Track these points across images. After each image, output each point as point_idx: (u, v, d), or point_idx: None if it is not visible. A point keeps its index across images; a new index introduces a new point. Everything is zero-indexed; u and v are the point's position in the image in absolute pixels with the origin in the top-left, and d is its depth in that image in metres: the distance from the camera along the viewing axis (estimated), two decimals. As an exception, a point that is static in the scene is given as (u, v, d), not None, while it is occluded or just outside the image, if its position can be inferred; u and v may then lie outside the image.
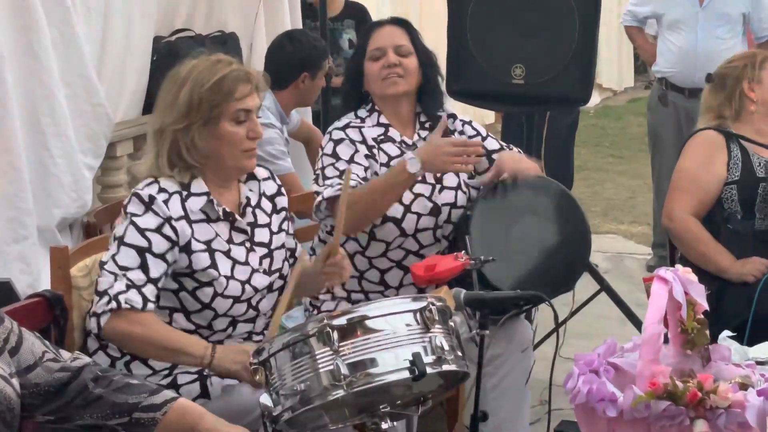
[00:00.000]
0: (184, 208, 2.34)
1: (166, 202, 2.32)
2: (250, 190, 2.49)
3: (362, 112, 2.94)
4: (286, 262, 2.54)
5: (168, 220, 2.31)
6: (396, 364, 1.90)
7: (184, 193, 2.35)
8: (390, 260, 2.91)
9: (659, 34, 5.34)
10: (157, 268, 2.29)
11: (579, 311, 3.67)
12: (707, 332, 2.08)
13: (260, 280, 2.44)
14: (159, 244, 2.30)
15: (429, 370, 1.90)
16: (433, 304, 2.00)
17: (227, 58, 2.39)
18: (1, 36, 3.00)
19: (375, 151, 2.87)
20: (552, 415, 3.64)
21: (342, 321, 1.93)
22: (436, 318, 1.99)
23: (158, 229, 2.30)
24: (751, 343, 2.43)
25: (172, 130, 2.31)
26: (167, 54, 4.29)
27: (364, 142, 2.87)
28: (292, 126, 4.14)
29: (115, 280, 2.24)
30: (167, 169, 2.33)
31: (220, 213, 2.39)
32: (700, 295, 2.11)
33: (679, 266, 2.18)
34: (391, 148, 2.90)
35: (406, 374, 1.88)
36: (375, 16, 5.40)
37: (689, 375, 1.95)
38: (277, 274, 2.50)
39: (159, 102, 2.39)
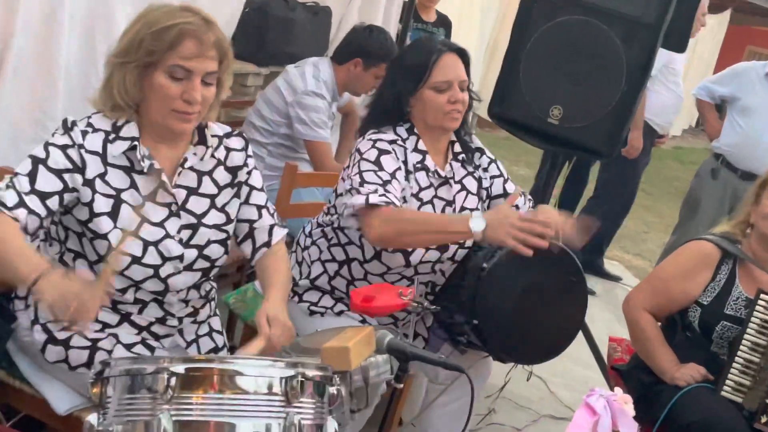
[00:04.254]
0: (104, 148, 1.90)
1: (84, 133, 1.89)
2: (194, 154, 2.02)
3: (402, 132, 2.49)
4: (216, 245, 2.05)
5: (79, 146, 1.87)
6: None
7: (112, 135, 1.91)
8: (384, 281, 2.50)
9: (728, 114, 4.94)
10: (46, 182, 1.82)
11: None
12: None
13: (172, 248, 1.96)
14: (57, 160, 1.84)
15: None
16: (304, 376, 1.53)
17: (195, 11, 1.90)
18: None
19: (411, 176, 2.45)
20: (492, 428, 3.49)
21: (181, 369, 1.45)
22: (305, 391, 1.53)
23: (63, 148, 1.86)
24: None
25: (111, 63, 1.89)
26: (257, 9, 4.00)
27: (406, 163, 2.44)
28: (341, 102, 3.83)
29: (3, 181, 1.83)
30: (104, 102, 1.93)
31: (145, 167, 1.93)
32: (630, 429, 1.72)
33: (618, 391, 1.79)
34: (423, 178, 2.47)
35: None
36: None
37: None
38: (197, 251, 2.01)
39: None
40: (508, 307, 2.36)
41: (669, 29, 3.15)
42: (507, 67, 3.38)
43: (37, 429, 2.06)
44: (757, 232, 2.73)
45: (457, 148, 2.61)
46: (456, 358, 2.58)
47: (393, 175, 2.37)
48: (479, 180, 2.63)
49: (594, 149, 3.24)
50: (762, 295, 2.57)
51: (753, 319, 2.57)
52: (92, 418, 1.50)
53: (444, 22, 5.55)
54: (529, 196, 2.80)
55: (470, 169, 2.62)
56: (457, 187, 2.57)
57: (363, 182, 2.33)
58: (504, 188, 2.68)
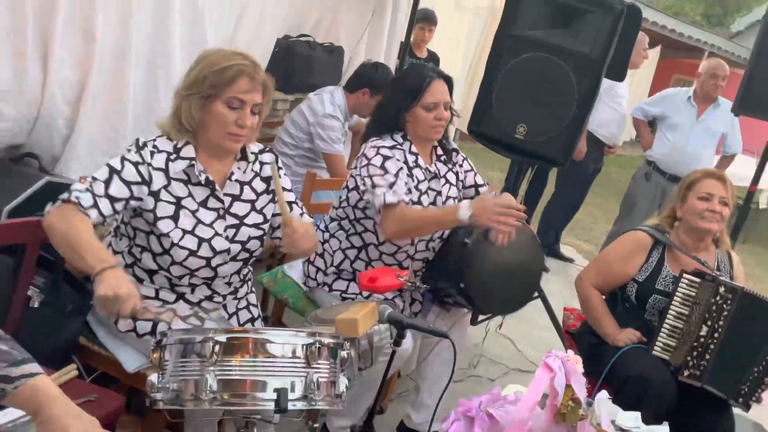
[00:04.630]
0: (166, 166, 1.89)
1: (152, 153, 1.89)
2: (238, 168, 2.02)
3: (398, 138, 2.49)
4: (255, 240, 2.04)
5: (148, 164, 1.87)
6: (263, 394, 1.43)
7: (174, 155, 1.91)
8: (395, 260, 2.51)
9: (659, 129, 4.90)
10: (118, 190, 1.81)
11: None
12: (579, 412, 1.68)
13: (219, 243, 1.96)
14: (130, 174, 1.84)
15: (291, 407, 1.43)
16: (321, 343, 1.53)
17: (245, 55, 1.92)
18: None
19: (411, 171, 2.46)
20: (472, 379, 3.49)
21: (223, 338, 1.45)
22: (321, 354, 1.52)
23: (135, 164, 1.85)
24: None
25: (180, 95, 1.91)
26: (285, 49, 3.96)
27: (406, 163, 2.45)
28: (351, 123, 3.80)
29: (83, 183, 1.82)
30: (172, 126, 1.92)
31: (202, 179, 1.93)
32: (580, 385, 1.69)
33: (570, 353, 1.76)
34: (419, 173, 2.48)
35: (271, 405, 1.43)
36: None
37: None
38: (240, 246, 2.00)
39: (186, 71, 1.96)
40: (486, 271, 2.42)
41: (611, 63, 3.12)
42: (483, 93, 3.36)
43: (111, 383, 2.06)
44: (686, 224, 2.71)
45: (440, 151, 2.63)
46: (443, 315, 2.64)
47: (397, 175, 2.38)
48: (456, 174, 2.66)
49: (552, 158, 3.21)
50: (684, 274, 2.55)
51: (678, 293, 2.55)
52: (153, 377, 1.50)
53: (433, 57, 5.52)
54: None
55: (450, 166, 2.64)
56: (443, 180, 2.58)
57: (375, 185, 2.36)
58: (474, 180, 2.71)
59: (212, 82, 1.87)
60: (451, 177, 2.63)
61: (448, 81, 2.54)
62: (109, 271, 1.61)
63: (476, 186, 2.71)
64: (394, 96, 2.54)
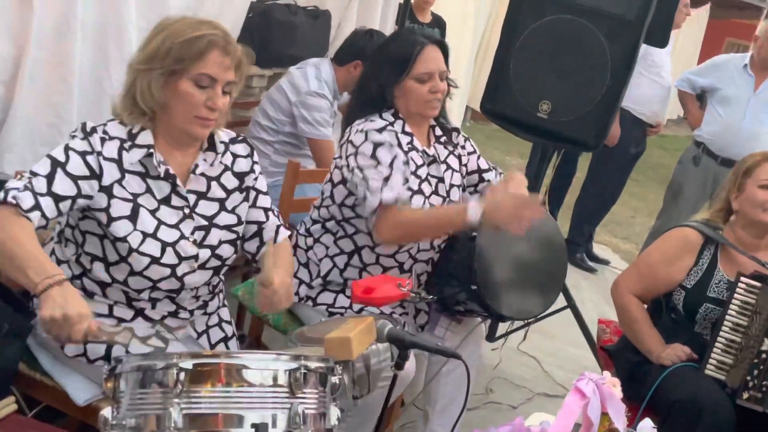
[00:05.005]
0: (119, 155, 1.87)
1: (102, 141, 1.85)
2: (204, 161, 2.00)
3: (388, 117, 2.47)
4: (227, 245, 2.03)
5: (98, 153, 1.84)
6: (239, 430, 1.41)
7: (128, 143, 1.88)
8: (396, 261, 2.50)
9: (709, 104, 4.91)
10: (63, 186, 1.79)
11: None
12: None
13: (187, 248, 1.94)
14: (76, 166, 1.81)
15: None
16: (307, 368, 1.50)
17: (215, 24, 1.89)
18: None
19: (407, 157, 2.43)
20: (489, 406, 3.50)
21: (189, 364, 1.42)
22: (308, 382, 1.50)
23: (83, 154, 1.82)
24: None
25: (135, 69, 1.87)
26: (261, 14, 3.95)
27: (400, 146, 2.42)
28: (341, 102, 3.77)
29: (20, 179, 1.79)
30: (124, 108, 1.89)
31: (161, 172, 1.90)
32: (618, 412, 1.69)
33: (606, 374, 1.75)
34: (417, 158, 2.46)
35: None
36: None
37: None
38: (209, 251, 1.98)
39: (142, 42, 1.93)
40: (500, 268, 2.44)
41: (651, 26, 3.12)
42: (497, 64, 3.38)
43: (57, 418, 2.05)
44: (744, 218, 2.71)
45: (438, 131, 2.62)
46: (453, 327, 2.63)
47: (391, 165, 2.35)
48: (459, 157, 2.66)
49: (581, 141, 3.23)
50: (742, 278, 2.55)
51: (734, 301, 2.55)
52: (106, 411, 1.48)
53: (439, 22, 5.51)
54: (500, 170, 2.80)
55: (450, 148, 2.64)
56: (444, 166, 2.58)
57: (366, 180, 2.33)
58: (477, 164, 2.72)
59: (177, 56, 1.84)
60: (453, 161, 2.63)
61: (443, 47, 2.53)
62: (55, 288, 1.60)
63: (480, 171, 2.73)
64: (378, 67, 2.52)
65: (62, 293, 1.61)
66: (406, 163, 2.43)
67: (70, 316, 1.57)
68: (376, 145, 2.37)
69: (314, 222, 2.58)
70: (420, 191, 2.46)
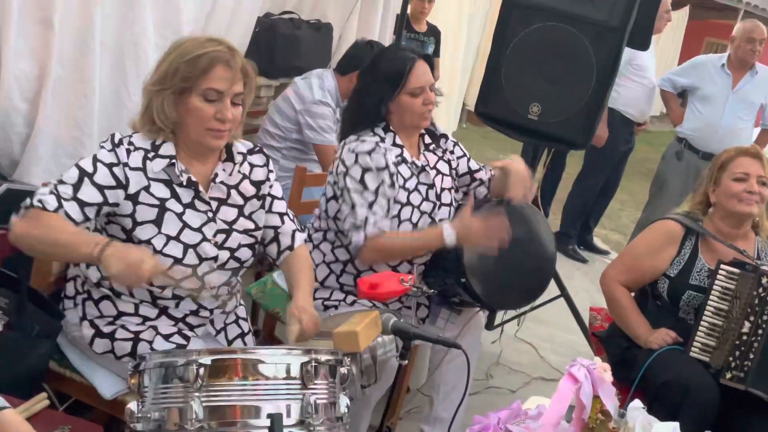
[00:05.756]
0: (144, 165, 1.90)
1: (128, 152, 1.89)
2: (223, 170, 2.02)
3: (379, 131, 2.49)
4: (245, 249, 2.05)
5: (124, 165, 1.87)
6: (256, 420, 1.42)
7: (151, 153, 1.91)
8: (387, 265, 2.51)
9: (690, 102, 4.93)
10: (89, 194, 1.82)
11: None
12: (610, 425, 1.72)
13: (207, 249, 1.96)
14: (103, 177, 1.85)
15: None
16: (317, 361, 1.51)
17: (220, 41, 1.91)
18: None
19: (395, 178, 2.44)
20: (490, 390, 3.51)
21: (208, 360, 1.44)
22: (318, 374, 1.51)
23: (110, 166, 1.86)
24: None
25: (149, 91, 1.90)
26: (267, 29, 3.97)
27: (387, 168, 2.42)
28: (343, 109, 3.88)
29: (46, 186, 1.82)
30: (143, 126, 1.93)
31: (184, 180, 1.93)
32: (609, 394, 1.71)
33: (597, 360, 1.77)
34: (405, 170, 2.48)
35: None
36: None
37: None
38: (229, 253, 2.01)
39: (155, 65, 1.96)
40: (488, 261, 2.44)
41: (633, 31, 3.13)
42: (490, 70, 3.38)
43: (86, 412, 2.07)
44: (721, 209, 2.71)
45: (427, 139, 2.64)
46: (453, 318, 2.67)
47: (376, 192, 2.40)
48: (448, 162, 2.68)
49: (570, 141, 3.23)
50: (722, 266, 2.56)
51: (715, 287, 2.55)
52: (133, 405, 1.50)
53: (434, 31, 5.52)
54: (489, 167, 2.80)
55: (440, 154, 2.65)
56: (434, 172, 2.59)
57: (353, 205, 2.38)
58: (468, 166, 2.73)
59: (185, 74, 1.87)
60: (443, 167, 2.64)
61: (428, 60, 2.57)
62: (108, 249, 1.70)
63: (471, 172, 2.74)
64: (371, 85, 2.53)
65: (116, 249, 1.71)
66: (392, 185, 2.44)
67: (131, 262, 1.68)
68: (365, 171, 2.40)
69: (316, 230, 2.62)
70: (409, 203, 2.49)
